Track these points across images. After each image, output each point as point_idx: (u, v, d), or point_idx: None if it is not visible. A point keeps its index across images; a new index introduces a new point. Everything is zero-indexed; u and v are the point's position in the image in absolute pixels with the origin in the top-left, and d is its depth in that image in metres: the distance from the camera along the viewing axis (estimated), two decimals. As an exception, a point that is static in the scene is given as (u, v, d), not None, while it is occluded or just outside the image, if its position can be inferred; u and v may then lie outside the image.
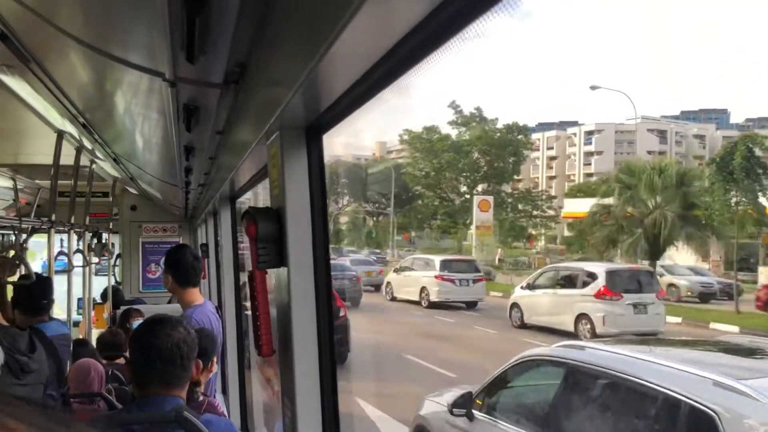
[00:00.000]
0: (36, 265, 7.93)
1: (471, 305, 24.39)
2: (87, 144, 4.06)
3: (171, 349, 2.34)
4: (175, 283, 3.92)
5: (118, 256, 9.14)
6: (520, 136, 66.41)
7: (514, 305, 20.16)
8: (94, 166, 5.31)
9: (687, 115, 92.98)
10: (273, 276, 1.83)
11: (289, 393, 1.76)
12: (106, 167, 5.52)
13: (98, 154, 4.47)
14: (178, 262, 3.92)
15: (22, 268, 4.58)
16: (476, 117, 66.82)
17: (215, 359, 3.52)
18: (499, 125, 65.78)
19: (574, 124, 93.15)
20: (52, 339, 3.71)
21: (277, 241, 1.70)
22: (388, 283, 27.09)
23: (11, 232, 6.98)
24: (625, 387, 4.90)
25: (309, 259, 1.69)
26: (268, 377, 3.49)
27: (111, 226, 8.57)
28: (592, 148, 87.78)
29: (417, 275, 25.36)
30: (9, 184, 6.34)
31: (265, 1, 1.18)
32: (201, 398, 3.30)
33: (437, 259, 26.10)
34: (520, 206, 66.06)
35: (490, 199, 51.80)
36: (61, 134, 3.85)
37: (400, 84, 1.20)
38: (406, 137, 70.15)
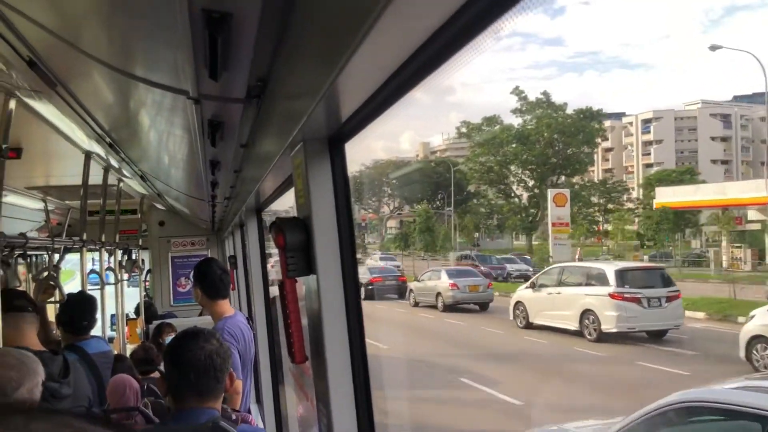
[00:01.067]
0: (75, 284, 8.06)
1: (658, 335, 16.62)
2: (114, 163, 4.13)
3: (205, 362, 2.37)
4: (204, 297, 3.97)
5: (149, 271, 9.25)
6: (593, 122, 60.15)
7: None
8: (121, 184, 5.40)
9: (744, 99, 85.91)
10: (303, 284, 1.85)
11: (323, 399, 1.78)
12: (134, 185, 5.60)
13: (125, 172, 4.55)
14: (205, 275, 3.97)
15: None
16: (543, 103, 60.61)
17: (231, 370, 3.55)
18: (569, 111, 59.86)
19: (621, 115, 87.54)
20: (93, 357, 3.77)
21: (305, 250, 1.72)
22: (518, 303, 19.79)
23: (44, 252, 7.10)
24: None
25: (337, 266, 1.72)
26: (301, 384, 3.51)
27: (140, 243, 8.69)
28: (650, 137, 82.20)
29: (572, 293, 17.72)
30: (40, 205, 6.46)
31: (284, 17, 1.21)
32: (234, 416, 3.33)
33: (608, 269, 17.87)
34: (593, 199, 60.09)
35: (566, 192, 46.85)
36: (88, 155, 3.92)
37: (422, 89, 1.21)
38: (464, 130, 65.08)
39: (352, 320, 1.73)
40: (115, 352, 6.37)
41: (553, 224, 42.93)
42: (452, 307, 24.54)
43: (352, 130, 1.59)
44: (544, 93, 62.17)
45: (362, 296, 25.77)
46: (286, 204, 3.49)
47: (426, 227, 56.93)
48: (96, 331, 6.58)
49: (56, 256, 5.13)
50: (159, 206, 8.41)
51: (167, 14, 1.20)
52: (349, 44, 0.99)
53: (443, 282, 25.75)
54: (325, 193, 1.71)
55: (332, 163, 1.70)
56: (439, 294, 25.49)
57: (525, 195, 63.13)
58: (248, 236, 4.55)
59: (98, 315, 4.27)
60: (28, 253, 6.67)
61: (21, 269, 7.60)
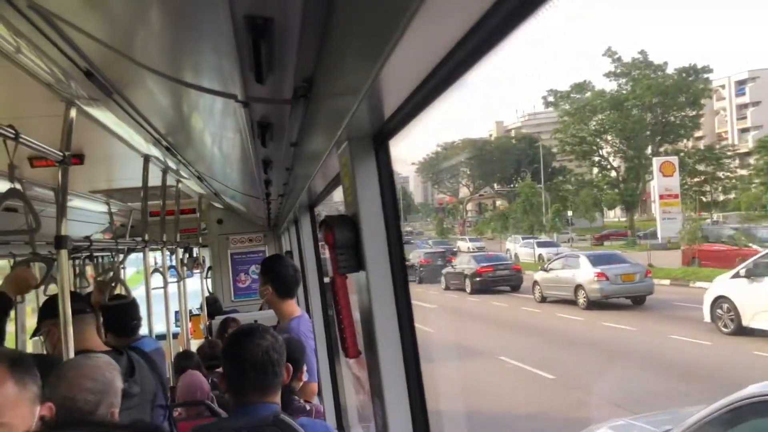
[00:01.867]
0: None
1: None
2: (172, 165, 4.24)
3: (262, 358, 2.42)
4: (274, 295, 3.92)
5: (209, 268, 9.45)
6: (698, 81, 52.67)
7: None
8: (180, 185, 5.53)
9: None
10: (354, 280, 1.88)
11: (378, 392, 1.81)
12: (191, 185, 5.73)
13: (183, 173, 4.66)
14: (278, 273, 3.89)
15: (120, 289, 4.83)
16: (640, 63, 53.48)
17: (304, 368, 3.59)
18: (669, 70, 52.69)
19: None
20: (149, 354, 3.88)
21: (354, 247, 1.75)
22: (720, 299, 13.69)
23: (109, 254, 7.34)
24: None
25: (386, 261, 1.74)
26: (358, 378, 3.56)
27: (200, 241, 8.89)
28: (746, 99, 71.19)
29: None
30: (104, 208, 6.67)
31: (325, 19, 1.23)
32: (308, 407, 3.39)
33: None
34: (700, 168, 52.60)
35: (675, 160, 40.96)
36: (147, 158, 4.03)
37: (463, 82, 1.21)
38: (551, 98, 58.26)
39: (403, 315, 1.75)
40: (180, 349, 6.57)
41: (661, 196, 37.92)
42: (598, 304, 19.27)
43: (395, 127, 1.60)
44: (642, 52, 54.62)
45: (468, 290, 25.90)
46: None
47: (531, 205, 50.62)
48: (161, 327, 6.79)
49: (120, 257, 5.30)
50: (217, 205, 8.58)
51: (212, 23, 1.23)
52: (389, 42, 1.00)
53: (585, 271, 20.28)
54: (371, 191, 1.73)
55: (377, 161, 1.72)
56: (579, 287, 20.03)
57: (622, 166, 56.48)
58: (302, 231, 4.62)
59: (159, 313, 4.38)
60: (94, 255, 6.91)
61: (89, 271, 7.87)
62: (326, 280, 4.76)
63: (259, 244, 9.52)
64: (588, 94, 55.47)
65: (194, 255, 8.23)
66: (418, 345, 1.78)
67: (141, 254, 5.34)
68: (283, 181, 3.50)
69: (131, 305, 4.12)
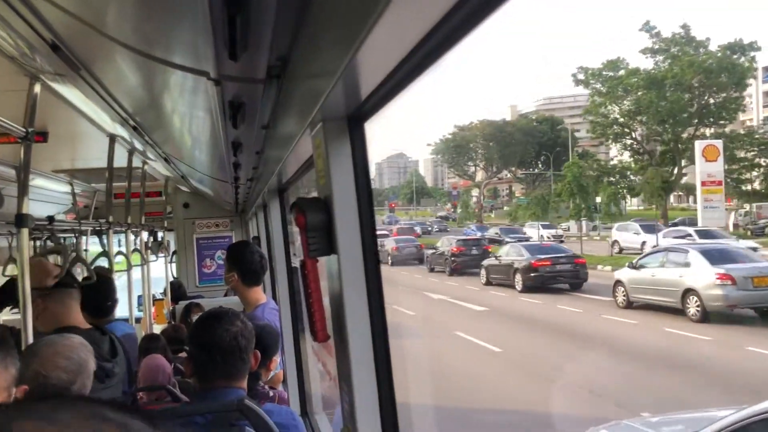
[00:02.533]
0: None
1: None
2: (138, 146, 4.17)
3: (230, 343, 2.41)
4: (240, 282, 3.87)
5: (174, 252, 9.35)
6: (742, 59, 48.10)
7: None
8: (146, 166, 5.45)
9: None
10: (325, 264, 1.86)
11: (345, 378, 1.80)
12: (158, 167, 5.65)
13: (150, 155, 4.59)
14: (245, 261, 3.85)
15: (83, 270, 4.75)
16: (680, 40, 49.35)
17: (276, 357, 3.57)
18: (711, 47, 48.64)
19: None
20: (120, 339, 3.83)
21: (326, 230, 1.73)
22: None
23: (72, 235, 7.21)
24: None
25: (358, 245, 1.72)
26: (324, 363, 3.56)
27: (166, 224, 8.78)
28: None
29: None
30: (67, 188, 6.55)
31: (302, -5, 1.21)
32: (272, 393, 3.38)
33: None
34: (741, 154, 48.43)
35: (719, 144, 38.04)
36: (113, 138, 3.95)
37: (441, 65, 1.20)
38: (581, 76, 53.33)
39: (373, 300, 1.74)
40: (144, 332, 6.49)
41: (703, 183, 35.49)
42: (718, 315, 14.77)
43: (371, 109, 1.58)
44: (684, 26, 50.69)
45: (519, 287, 22.49)
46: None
47: (580, 187, 45.34)
48: (123, 311, 6.70)
49: (83, 238, 5.21)
50: (183, 188, 8.48)
51: (186, -5, 1.20)
52: (367, 22, 0.99)
53: (700, 271, 15.49)
54: (345, 174, 1.71)
55: (352, 143, 1.71)
56: (689, 292, 15.29)
57: (656, 150, 52.65)
58: (271, 217, 4.58)
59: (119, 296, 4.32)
60: (57, 235, 6.78)
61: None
62: (295, 265, 4.74)
63: (226, 229, 9.45)
64: (621, 72, 51.30)
65: (159, 239, 8.14)
66: (387, 330, 1.77)
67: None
68: (253, 165, 3.45)
69: (107, 284, 4.04)
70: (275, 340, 3.49)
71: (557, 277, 22.25)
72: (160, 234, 8.38)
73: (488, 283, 24.93)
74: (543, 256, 22.83)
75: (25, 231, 2.75)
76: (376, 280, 1.75)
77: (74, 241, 6.98)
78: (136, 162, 4.92)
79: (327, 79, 1.34)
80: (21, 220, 2.69)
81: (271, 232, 4.71)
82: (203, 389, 2.53)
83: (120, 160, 4.42)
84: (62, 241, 8.14)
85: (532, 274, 22.24)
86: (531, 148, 76.30)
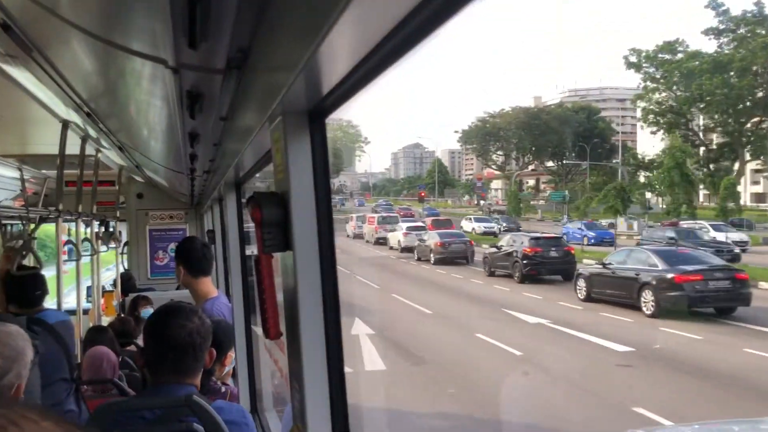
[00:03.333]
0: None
1: None
2: (92, 133, 4.07)
3: (184, 339, 2.37)
4: (187, 275, 3.92)
5: (126, 243, 9.19)
6: None
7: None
8: (99, 155, 5.33)
9: None
10: (279, 260, 1.84)
11: (297, 375, 1.78)
12: (112, 156, 5.54)
13: (103, 143, 4.49)
14: (187, 252, 3.93)
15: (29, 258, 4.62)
16: (752, 19, 44.72)
17: (230, 353, 3.55)
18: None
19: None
20: (55, 326, 3.76)
21: (282, 225, 1.71)
22: None
23: (19, 222, 7.03)
24: None
25: (314, 242, 1.71)
26: (276, 360, 3.53)
27: (118, 215, 8.62)
28: None
29: None
30: (16, 174, 6.38)
31: (265, -14, 1.18)
32: (224, 389, 3.34)
33: None
34: None
35: None
36: (66, 124, 3.86)
37: (405, 62, 1.19)
38: (633, 59, 49.15)
39: (328, 298, 1.73)
40: (91, 324, 6.35)
41: None
42: None
43: (333, 104, 1.57)
44: (757, 2, 46.31)
45: (650, 310, 15.39)
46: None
47: (683, 176, 40.07)
48: (71, 302, 6.55)
49: (32, 226, 5.07)
50: (137, 178, 8.33)
51: (145, -21, 1.17)
52: (330, 15, 0.97)
53: None
54: (303, 168, 1.69)
55: (312, 138, 1.69)
56: None
57: (713, 141, 47.97)
58: (227, 210, 4.52)
59: (71, 286, 4.24)
60: (3, 222, 6.59)
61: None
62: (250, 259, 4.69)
63: (180, 221, 9.33)
64: (680, 55, 47.14)
65: (111, 229, 7.98)
66: (341, 329, 1.76)
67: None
68: (210, 157, 3.40)
69: (35, 275, 3.99)
70: (230, 336, 3.48)
71: (712, 298, 15.62)
72: (111, 224, 8.22)
73: (589, 298, 19.05)
74: (689, 268, 16.30)
75: None
76: (331, 277, 1.73)
77: (21, 228, 6.79)
78: (89, 150, 4.81)
79: (288, 72, 1.32)
80: (-35, 204, 2.60)
81: (226, 226, 4.65)
82: (154, 383, 2.48)
83: (72, 147, 4.32)
84: (9, 228, 7.92)
85: (673, 294, 15.72)
86: (567, 137, 71.28)
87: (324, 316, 1.72)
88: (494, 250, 28.13)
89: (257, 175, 3.47)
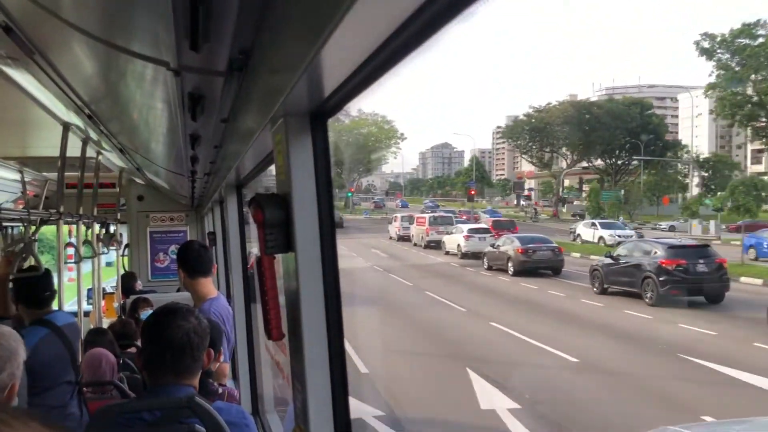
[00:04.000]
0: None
1: None
2: (93, 135, 4.08)
3: (182, 339, 2.37)
4: (186, 277, 3.94)
5: (127, 246, 9.18)
6: None
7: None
8: (100, 157, 5.34)
9: None
10: (281, 261, 1.84)
11: (299, 377, 1.78)
12: (113, 158, 5.54)
13: (104, 145, 4.49)
14: (186, 254, 3.94)
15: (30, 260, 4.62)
16: None
17: (222, 351, 3.56)
18: None
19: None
20: (62, 328, 3.77)
21: (284, 227, 1.71)
22: None
23: (20, 224, 7.03)
24: None
25: (316, 243, 1.71)
26: (278, 362, 3.53)
27: (119, 217, 8.62)
28: None
29: None
30: (17, 176, 6.38)
31: (267, -12, 1.19)
32: (221, 390, 3.35)
33: None
34: None
35: None
36: (67, 126, 3.86)
37: (407, 64, 1.19)
38: (705, 44, 44.68)
39: (330, 299, 1.73)
40: (92, 326, 6.35)
41: None
42: None
43: (334, 106, 1.57)
44: None
45: None
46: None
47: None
48: (72, 305, 6.54)
49: (32, 228, 5.07)
50: (138, 180, 8.34)
51: (148, -19, 1.17)
52: (333, 17, 0.97)
53: None
54: (305, 170, 1.69)
55: (314, 140, 1.69)
56: None
57: None
58: (228, 213, 4.53)
59: (72, 288, 4.25)
60: (4, 224, 6.59)
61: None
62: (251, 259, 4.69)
63: (181, 224, 9.33)
64: (761, 39, 42.64)
65: (111, 231, 7.98)
66: (343, 329, 1.76)
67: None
68: (211, 159, 3.41)
69: (44, 276, 3.99)
70: (219, 333, 3.48)
71: None
72: (112, 227, 8.22)
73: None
74: None
75: None
76: (333, 278, 1.73)
77: (22, 230, 6.80)
78: (90, 152, 4.81)
79: (290, 75, 1.32)
80: (-34, 207, 2.60)
81: (227, 228, 4.65)
82: (152, 385, 2.48)
83: (73, 150, 4.32)
84: (11, 230, 7.93)
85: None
86: (620, 133, 66.55)
87: (326, 317, 1.73)
88: (608, 261, 21.69)
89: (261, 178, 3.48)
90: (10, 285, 3.98)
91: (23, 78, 2.53)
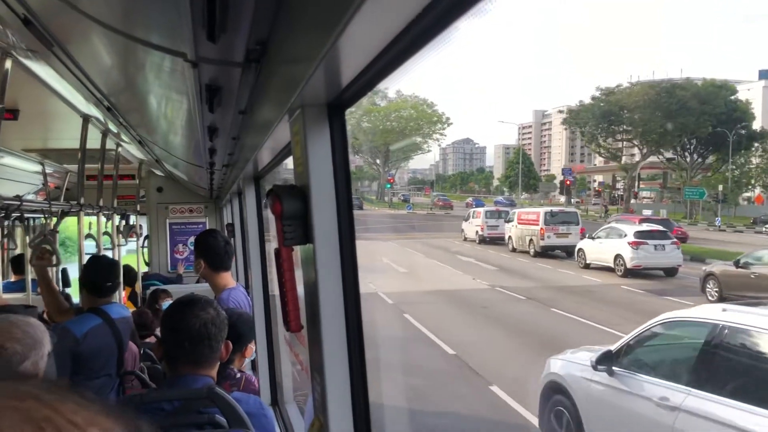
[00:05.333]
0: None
1: None
2: (112, 127, 4.10)
3: (199, 330, 2.40)
4: (207, 268, 3.98)
5: (146, 237, 9.26)
6: None
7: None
8: (120, 149, 5.38)
9: None
10: (299, 253, 1.84)
11: (318, 368, 1.78)
12: (132, 150, 5.58)
13: (123, 137, 4.52)
14: (209, 247, 3.98)
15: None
16: None
17: (251, 345, 3.58)
18: None
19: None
20: (115, 321, 3.81)
21: (302, 218, 1.71)
22: None
23: (41, 216, 7.11)
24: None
25: (334, 234, 1.70)
26: (297, 353, 3.54)
27: (138, 208, 8.68)
28: None
29: None
30: (38, 168, 6.45)
31: (284, -23, 1.18)
32: (239, 375, 3.37)
33: None
34: None
35: None
36: (86, 118, 3.89)
37: (427, 53, 1.17)
38: None
39: (349, 291, 1.72)
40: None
41: None
42: None
43: (352, 96, 1.56)
44: None
45: None
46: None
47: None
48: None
49: (54, 220, 5.13)
50: (157, 172, 8.39)
51: (165, -28, 1.17)
52: (350, 6, 0.96)
53: None
54: (323, 161, 1.69)
55: (331, 130, 1.68)
56: None
57: None
58: (246, 204, 4.54)
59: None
60: (26, 216, 6.66)
61: (19, 233, 7.60)
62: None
63: (200, 215, 9.38)
64: None
65: (131, 222, 8.04)
66: (362, 321, 1.76)
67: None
68: (229, 151, 3.41)
69: (111, 264, 4.06)
70: (249, 328, 3.52)
71: None
72: (132, 218, 8.29)
73: None
74: None
75: None
76: (351, 270, 1.73)
77: (44, 222, 6.87)
78: (110, 144, 4.85)
79: (307, 65, 1.31)
80: (-12, 198, 2.63)
81: (245, 220, 4.67)
82: (171, 376, 2.51)
83: (93, 142, 4.36)
84: (33, 222, 8.02)
85: None
86: (707, 120, 57.18)
87: (345, 309, 1.72)
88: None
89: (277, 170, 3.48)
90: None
91: (43, 70, 2.55)
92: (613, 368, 6.58)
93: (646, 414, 6.12)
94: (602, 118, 64.90)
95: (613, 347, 6.87)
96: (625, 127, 64.87)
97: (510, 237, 31.74)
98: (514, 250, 30.75)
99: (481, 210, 38.43)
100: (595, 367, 6.71)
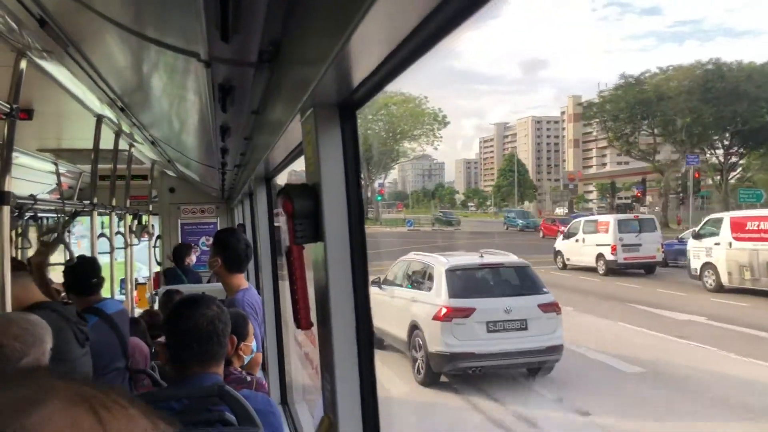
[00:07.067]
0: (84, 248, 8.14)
1: None
2: (125, 128, 4.13)
3: (207, 328, 2.40)
4: (223, 268, 3.89)
5: (158, 237, 9.31)
6: None
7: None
8: (132, 149, 5.41)
9: None
10: (310, 251, 1.85)
11: (328, 367, 1.79)
12: (145, 150, 5.61)
13: (136, 137, 4.55)
14: (230, 247, 3.87)
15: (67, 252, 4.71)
16: None
17: (248, 342, 3.57)
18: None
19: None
20: (112, 316, 3.83)
21: (313, 217, 1.72)
22: None
23: (55, 215, 7.16)
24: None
25: (345, 233, 1.71)
26: (306, 353, 3.55)
27: (150, 208, 8.72)
28: None
29: None
30: (51, 168, 6.50)
31: (297, -22, 1.19)
32: (249, 378, 3.37)
33: None
34: None
35: None
36: (100, 119, 3.92)
37: (437, 52, 1.18)
38: None
39: (359, 289, 1.73)
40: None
41: None
42: None
43: (363, 96, 1.57)
44: None
45: None
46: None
47: None
48: (105, 294, 6.64)
49: (66, 219, 5.16)
50: (169, 173, 8.43)
51: (179, -27, 1.18)
52: (360, 7, 0.97)
53: None
54: (334, 161, 1.70)
55: (342, 130, 1.69)
56: None
57: None
58: (257, 205, 4.56)
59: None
60: (39, 215, 6.72)
61: (32, 232, 7.66)
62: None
63: (211, 216, 9.41)
64: None
65: (143, 222, 8.09)
66: (372, 320, 1.76)
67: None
68: (241, 151, 3.43)
69: (91, 263, 4.06)
70: (243, 325, 3.49)
71: None
72: (144, 218, 8.34)
73: None
74: None
75: (6, 208, 2.72)
76: (362, 269, 1.74)
77: (58, 221, 6.92)
78: (123, 144, 4.88)
79: (319, 66, 1.32)
80: (2, 197, 2.66)
81: (256, 220, 4.69)
82: (179, 376, 2.52)
83: (106, 142, 4.39)
84: (46, 221, 8.08)
85: None
86: (763, 107, 46.97)
87: (355, 307, 1.73)
88: None
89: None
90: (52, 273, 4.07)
91: (58, 71, 2.58)
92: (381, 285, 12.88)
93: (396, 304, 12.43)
94: (638, 107, 55.00)
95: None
96: (662, 118, 53.87)
97: (709, 264, 18.58)
98: (720, 287, 18.07)
99: (609, 220, 24.85)
100: (379, 286, 12.96)
